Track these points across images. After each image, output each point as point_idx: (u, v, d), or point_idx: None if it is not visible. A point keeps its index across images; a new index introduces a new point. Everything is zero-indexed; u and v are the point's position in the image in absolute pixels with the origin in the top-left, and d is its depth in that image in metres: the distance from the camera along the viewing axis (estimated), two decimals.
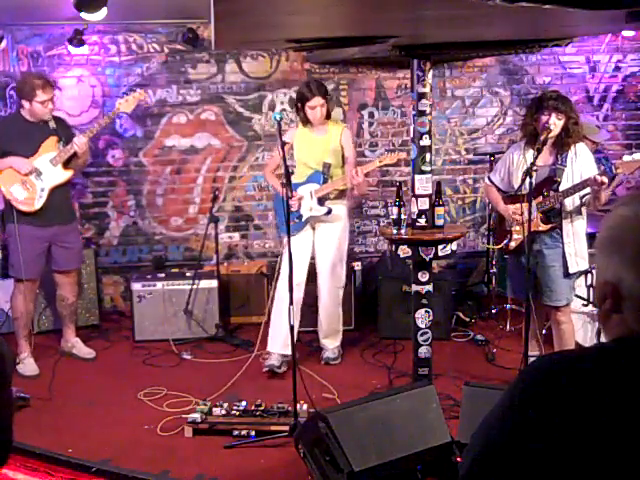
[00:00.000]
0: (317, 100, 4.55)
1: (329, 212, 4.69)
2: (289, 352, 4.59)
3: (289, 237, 3.87)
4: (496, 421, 1.19)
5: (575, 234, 4.13)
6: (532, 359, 4.26)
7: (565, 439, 1.09)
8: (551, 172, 4.11)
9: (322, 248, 4.80)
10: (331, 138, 4.68)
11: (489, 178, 4.46)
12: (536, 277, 4.17)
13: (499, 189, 4.35)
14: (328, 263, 4.77)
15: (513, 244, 4.25)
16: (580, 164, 4.08)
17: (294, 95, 6.09)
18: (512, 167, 4.23)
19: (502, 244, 4.33)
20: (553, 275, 4.13)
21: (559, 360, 1.23)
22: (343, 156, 4.73)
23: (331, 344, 4.92)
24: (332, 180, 4.70)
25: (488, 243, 5.49)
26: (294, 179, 4.72)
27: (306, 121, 4.68)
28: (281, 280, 4.71)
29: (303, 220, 4.73)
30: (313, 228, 4.81)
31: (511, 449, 1.13)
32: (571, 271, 4.12)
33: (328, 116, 4.69)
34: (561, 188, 4.06)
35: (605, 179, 3.84)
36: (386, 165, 4.86)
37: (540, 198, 4.10)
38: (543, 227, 4.13)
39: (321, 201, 4.70)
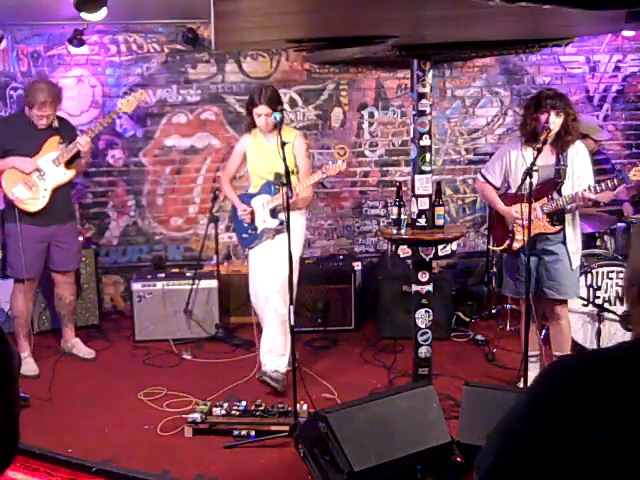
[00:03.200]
0: (263, 109, 4.29)
1: (282, 223, 4.34)
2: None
3: (289, 240, 3.79)
4: (518, 421, 1.17)
5: (574, 232, 4.17)
6: (532, 359, 4.27)
7: (592, 440, 1.07)
8: (555, 172, 4.09)
9: (274, 261, 4.38)
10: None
11: (482, 175, 4.38)
12: (538, 275, 4.18)
13: (494, 187, 4.33)
14: (279, 277, 4.34)
15: (517, 245, 4.21)
16: (579, 164, 4.09)
17: (294, 95, 6.13)
18: (510, 166, 4.20)
19: (505, 245, 4.30)
20: (561, 269, 4.14)
21: (585, 359, 1.21)
22: (297, 164, 4.44)
23: (272, 364, 4.41)
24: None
25: (489, 244, 5.44)
26: (249, 190, 4.63)
27: (253, 126, 4.46)
28: (252, 296, 4.65)
29: (258, 232, 4.51)
30: (272, 239, 4.51)
31: (536, 449, 1.11)
32: (573, 267, 4.17)
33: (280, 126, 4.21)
34: (564, 187, 4.07)
35: (592, 196, 3.92)
36: (329, 176, 4.42)
37: (545, 199, 4.10)
38: (551, 229, 4.12)
39: (274, 212, 4.43)
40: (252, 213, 4.51)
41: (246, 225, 4.55)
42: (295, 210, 4.30)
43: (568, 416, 1.09)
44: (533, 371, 4.31)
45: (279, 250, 4.29)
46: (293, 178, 4.35)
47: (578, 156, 4.10)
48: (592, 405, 1.09)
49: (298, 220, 4.39)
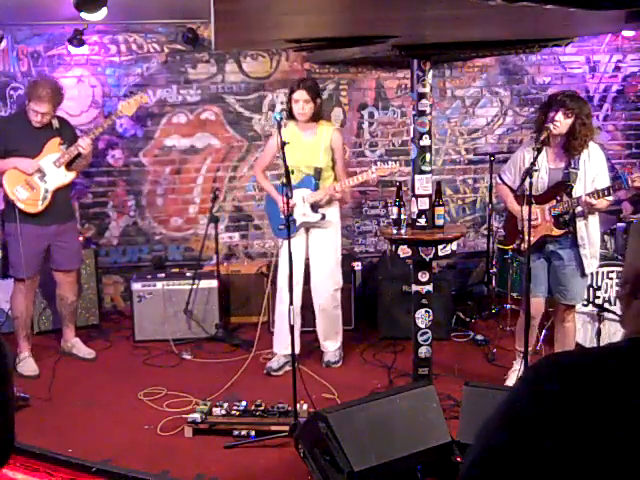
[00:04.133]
0: (301, 94, 4.49)
1: (323, 217, 4.66)
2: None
3: (289, 239, 3.85)
4: (502, 420, 1.15)
5: (589, 236, 4.10)
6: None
7: (575, 439, 1.05)
8: (564, 176, 4.07)
9: (318, 253, 4.76)
10: (321, 140, 4.62)
11: (500, 177, 4.41)
12: (549, 278, 4.17)
13: (511, 188, 4.30)
14: (325, 267, 4.76)
15: (525, 245, 4.20)
16: (592, 167, 4.03)
17: None
18: (523, 166, 4.18)
19: (514, 245, 4.29)
20: (569, 274, 4.13)
21: (571, 358, 1.18)
22: (334, 158, 4.69)
23: (332, 346, 4.91)
24: (323, 182, 4.65)
25: (499, 243, 5.40)
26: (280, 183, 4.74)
27: (291, 115, 4.61)
28: (280, 282, 4.73)
29: (297, 225, 4.66)
30: (307, 231, 4.77)
31: (519, 447, 1.09)
32: (587, 272, 4.14)
33: (316, 118, 4.62)
34: (574, 191, 4.04)
35: (593, 201, 3.89)
36: (379, 176, 4.62)
37: (553, 202, 4.08)
38: (556, 232, 4.10)
39: (314, 207, 4.64)
40: (292, 205, 4.63)
41: (283, 217, 4.59)
42: (334, 204, 4.72)
43: (553, 414, 1.07)
44: None
45: (319, 241, 4.70)
46: (330, 172, 4.68)
47: (591, 160, 4.03)
48: (583, 408, 1.06)
49: (335, 213, 4.76)
